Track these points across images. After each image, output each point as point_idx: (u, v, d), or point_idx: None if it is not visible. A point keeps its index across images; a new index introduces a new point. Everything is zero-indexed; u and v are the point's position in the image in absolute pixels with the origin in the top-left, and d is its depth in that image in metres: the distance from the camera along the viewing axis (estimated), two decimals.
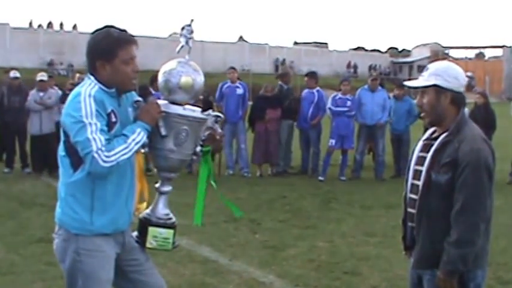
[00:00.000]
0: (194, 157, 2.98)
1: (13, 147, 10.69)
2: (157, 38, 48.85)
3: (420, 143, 3.00)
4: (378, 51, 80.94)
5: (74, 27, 51.55)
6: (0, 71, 19.40)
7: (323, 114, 10.58)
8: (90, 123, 2.60)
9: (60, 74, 38.33)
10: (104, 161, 2.59)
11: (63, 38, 46.09)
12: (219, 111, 5.41)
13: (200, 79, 2.92)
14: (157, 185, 3.01)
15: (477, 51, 75.61)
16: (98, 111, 2.64)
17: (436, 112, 2.85)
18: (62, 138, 2.76)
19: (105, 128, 2.66)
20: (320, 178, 10.14)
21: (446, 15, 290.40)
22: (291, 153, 11.20)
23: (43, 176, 10.13)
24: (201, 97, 7.59)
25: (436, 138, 2.87)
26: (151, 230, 2.92)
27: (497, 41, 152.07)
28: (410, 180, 2.95)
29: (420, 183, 2.85)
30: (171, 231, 2.96)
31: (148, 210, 3.01)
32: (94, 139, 2.59)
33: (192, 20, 3.01)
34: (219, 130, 3.02)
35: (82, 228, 2.74)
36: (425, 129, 3.08)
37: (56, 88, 10.74)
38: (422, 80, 2.89)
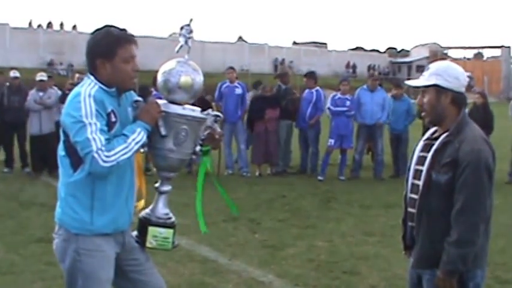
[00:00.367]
0: (194, 156, 2.98)
1: (12, 147, 10.69)
2: (157, 38, 48.78)
3: (421, 143, 3.00)
4: (377, 51, 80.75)
5: (74, 27, 51.42)
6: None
7: (321, 114, 10.61)
8: (90, 123, 2.60)
9: (60, 74, 38.27)
10: (104, 161, 2.59)
11: (63, 38, 46.01)
12: (218, 111, 5.42)
13: (199, 79, 2.92)
14: (156, 185, 3.01)
15: (476, 51, 75.46)
16: (97, 111, 2.64)
17: (436, 112, 2.86)
18: (62, 138, 2.76)
19: (105, 128, 2.66)
20: (319, 178, 10.15)
21: (445, 16, 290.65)
22: (290, 153, 11.22)
23: (43, 176, 10.13)
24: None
25: (436, 138, 2.87)
26: (151, 230, 2.92)
27: (496, 41, 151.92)
28: (410, 180, 2.96)
29: (420, 183, 2.85)
30: (171, 230, 2.96)
31: (148, 210, 3.02)
32: (94, 139, 2.59)
33: (191, 20, 3.01)
34: (218, 129, 3.03)
35: (82, 228, 2.74)
36: (425, 129, 3.09)
37: (56, 88, 10.74)
38: (423, 80, 2.90)
